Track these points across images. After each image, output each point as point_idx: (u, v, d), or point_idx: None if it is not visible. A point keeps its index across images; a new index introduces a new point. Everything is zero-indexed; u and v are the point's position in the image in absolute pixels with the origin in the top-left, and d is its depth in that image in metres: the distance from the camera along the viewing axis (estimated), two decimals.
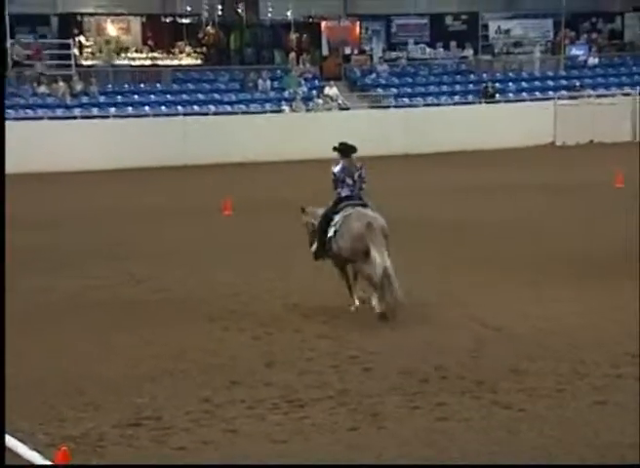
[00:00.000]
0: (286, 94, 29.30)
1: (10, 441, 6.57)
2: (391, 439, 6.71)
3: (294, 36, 30.95)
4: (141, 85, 28.42)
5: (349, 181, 10.33)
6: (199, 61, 30.19)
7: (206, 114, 27.66)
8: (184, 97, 28.45)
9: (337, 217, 10.22)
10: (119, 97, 27.80)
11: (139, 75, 28.61)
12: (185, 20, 30.54)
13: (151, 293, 11.34)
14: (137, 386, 7.91)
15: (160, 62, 29.50)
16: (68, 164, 24.17)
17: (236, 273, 12.25)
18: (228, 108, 28.36)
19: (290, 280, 11.81)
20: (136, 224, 16.61)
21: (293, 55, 30.53)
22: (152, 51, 29.62)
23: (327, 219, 10.37)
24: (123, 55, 29.33)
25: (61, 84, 26.84)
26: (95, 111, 26.88)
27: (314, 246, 10.58)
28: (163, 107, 27.69)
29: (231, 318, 10.08)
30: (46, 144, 24.46)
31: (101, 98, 27.47)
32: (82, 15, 29.53)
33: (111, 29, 29.73)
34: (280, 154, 25.98)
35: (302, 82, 29.72)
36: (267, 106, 28.79)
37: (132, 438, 6.81)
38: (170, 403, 7.51)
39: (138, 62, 29.29)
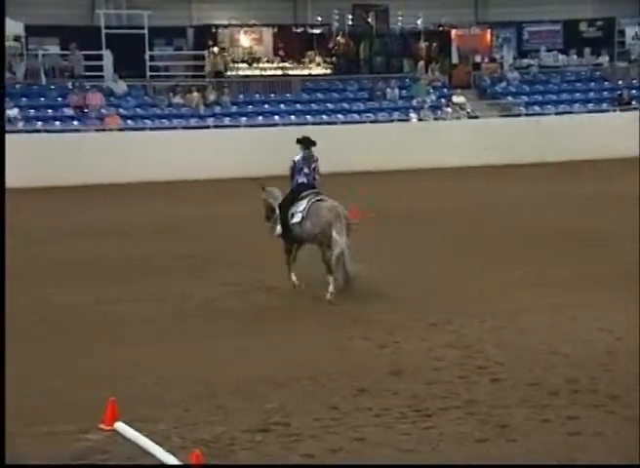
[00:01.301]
0: (414, 102, 29.22)
1: (146, 442, 6.77)
2: (520, 452, 6.60)
3: (423, 44, 30.84)
4: (272, 95, 28.86)
5: (306, 170, 11.90)
6: (328, 71, 30.43)
7: (334, 123, 27.85)
8: (314, 106, 28.75)
9: (302, 204, 11.63)
10: (250, 106, 28.29)
11: (269, 85, 29.07)
12: (316, 31, 30.83)
13: (280, 299, 11.47)
14: (265, 391, 8.03)
15: (290, 72, 29.86)
16: (202, 172, 24.72)
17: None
18: (356, 117, 28.49)
19: (414, 289, 11.75)
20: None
21: (422, 63, 30.41)
22: (283, 61, 30.04)
23: (289, 203, 11.79)
24: (255, 65, 29.86)
25: (195, 94, 27.52)
26: (227, 121, 27.44)
27: (278, 228, 11.99)
28: (292, 117, 28.04)
29: (357, 326, 10.12)
30: (181, 153, 25.10)
31: (233, 108, 28.01)
32: (216, 26, 30.21)
33: (244, 40, 30.31)
34: (407, 162, 25.91)
35: (431, 90, 29.58)
36: (395, 115, 28.76)
37: (261, 443, 6.90)
38: (298, 409, 7.58)
39: (269, 72, 29.76)
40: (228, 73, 29.36)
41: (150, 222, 17.76)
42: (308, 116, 28.16)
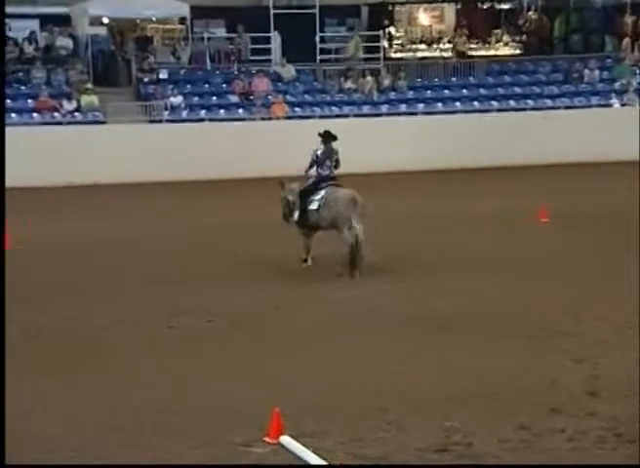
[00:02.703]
0: (616, 85, 28.30)
1: (313, 458, 6.83)
2: None
3: (629, 19, 29.82)
4: (453, 79, 28.61)
5: (328, 163, 13.68)
6: (517, 51, 29.92)
7: (523, 109, 27.36)
8: (500, 90, 28.31)
9: (321, 193, 13.47)
10: (428, 92, 28.14)
11: (450, 68, 28.82)
12: (504, 6, 30.38)
13: (464, 306, 11.39)
14: (443, 408, 7.95)
15: (474, 53, 29.56)
16: (374, 164, 24.80)
17: (549, 289, 12.06)
18: (549, 102, 27.88)
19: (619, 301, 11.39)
20: (445, 230, 16.72)
21: (627, 41, 29.40)
22: (466, 41, 29.74)
23: (309, 193, 13.58)
24: (435, 45, 29.71)
25: (369, 79, 27.59)
26: (402, 108, 27.40)
27: (296, 214, 13.70)
28: (475, 103, 27.74)
29: (551, 338, 9.92)
30: (352, 144, 25.14)
31: (410, 94, 27.91)
32: (393, 4, 30.25)
33: (423, 18, 30.21)
34: (604, 155, 25.16)
35: (637, 72, 28.56)
36: (594, 100, 27.96)
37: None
38: (481, 428, 7.47)
39: (450, 54, 29.53)
40: (405, 55, 29.35)
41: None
42: (494, 102, 27.80)
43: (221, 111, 26.29)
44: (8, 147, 22.83)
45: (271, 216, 14.58)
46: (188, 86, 26.90)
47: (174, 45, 27.73)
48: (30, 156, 23.19)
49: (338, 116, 26.53)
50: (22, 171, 22.76)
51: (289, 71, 27.60)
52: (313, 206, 13.53)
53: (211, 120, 25.85)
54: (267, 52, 27.83)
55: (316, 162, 13.71)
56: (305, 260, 13.84)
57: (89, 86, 25.62)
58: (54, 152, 23.60)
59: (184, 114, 25.91)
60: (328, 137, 13.91)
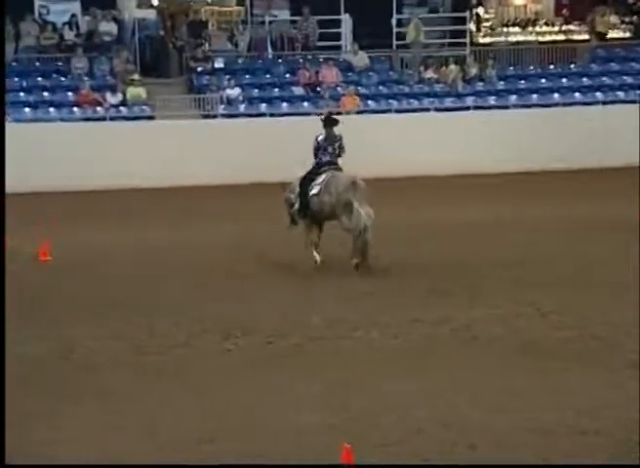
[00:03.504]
0: None
1: None
2: None
3: None
4: (551, 66, 28.47)
5: (330, 149, 14.81)
6: (627, 34, 29.70)
7: (633, 102, 27.12)
8: (605, 80, 28.11)
9: (320, 178, 14.52)
10: (522, 81, 28.02)
11: (548, 54, 28.67)
12: None
13: (556, 330, 11.39)
14: (537, 443, 7.99)
15: (576, 37, 29.41)
16: (456, 166, 24.78)
17: None
18: None
19: None
20: (542, 240, 16.74)
21: None
22: (567, 22, 29.60)
23: (309, 180, 14.66)
24: (530, 28, 29.59)
25: (452, 67, 27.45)
26: (491, 100, 27.30)
27: (295, 206, 14.87)
28: (577, 94, 27.57)
29: None
30: (431, 142, 25.27)
31: (500, 84, 27.79)
32: None
33: None
34: None
35: None
36: None
37: None
38: None
39: (547, 38, 29.42)
40: (495, 40, 29.26)
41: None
42: (598, 93, 27.59)
43: (284, 105, 26.44)
44: (44, 146, 23.53)
45: None
46: (247, 76, 27.11)
47: (231, 30, 27.88)
48: (69, 156, 23.58)
49: (417, 110, 26.57)
50: (60, 172, 23.19)
51: (361, 59, 27.63)
52: (314, 190, 14.54)
53: (272, 115, 25.96)
54: (337, 37, 27.95)
55: (318, 149, 14.82)
56: (316, 261, 14.67)
57: (135, 77, 25.94)
58: (95, 151, 23.93)
59: (242, 108, 26.11)
60: (329, 122, 15.04)
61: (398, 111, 26.47)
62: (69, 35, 26.99)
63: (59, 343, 11.11)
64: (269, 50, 27.76)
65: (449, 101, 27.10)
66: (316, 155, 14.89)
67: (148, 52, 27.10)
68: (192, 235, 17.93)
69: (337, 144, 14.90)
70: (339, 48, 28.09)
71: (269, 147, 24.44)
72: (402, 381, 9.63)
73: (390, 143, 24.91)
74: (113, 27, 27.19)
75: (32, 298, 13.26)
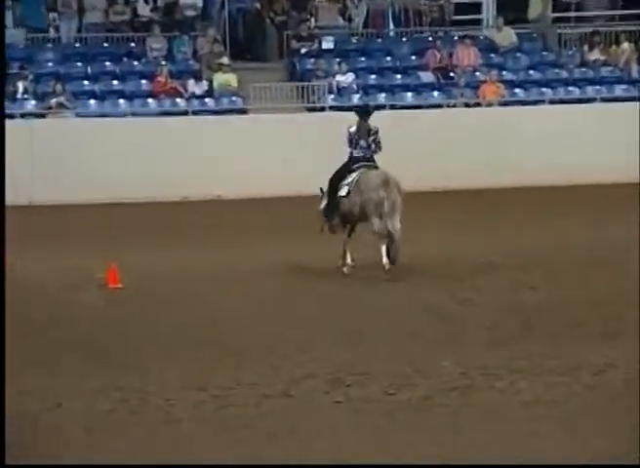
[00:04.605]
0: None
1: None
2: None
3: None
4: None
5: (363, 143, 16.03)
6: None
7: None
8: None
9: (352, 176, 15.79)
10: None
11: None
12: None
13: None
14: None
15: None
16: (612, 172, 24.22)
17: None
18: None
19: None
20: None
21: None
22: None
23: (339, 178, 15.97)
24: None
25: (625, 46, 27.10)
26: None
27: (323, 203, 16.29)
28: None
29: None
30: (592, 141, 24.80)
31: None
32: None
33: None
34: None
35: None
36: None
37: None
38: None
39: None
40: None
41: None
42: None
43: (409, 95, 26.51)
44: (112, 146, 23.59)
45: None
46: (362, 59, 27.29)
47: (343, 1, 27.91)
48: (142, 157, 23.76)
49: (578, 101, 26.48)
50: (132, 178, 23.27)
51: (507, 37, 27.55)
52: (343, 192, 15.88)
53: (392, 107, 25.80)
54: (476, 9, 27.92)
55: (351, 141, 16.12)
56: (343, 265, 16.11)
57: (224, 60, 26.14)
58: (175, 151, 24.09)
59: (356, 99, 25.91)
60: (362, 113, 16.40)
61: (553, 102, 26.32)
62: (144, 10, 27.47)
63: (129, 394, 11.00)
64: (391, 26, 27.88)
65: (620, 90, 26.96)
66: (350, 145, 16.13)
67: (241, 29, 27.34)
68: (298, 256, 17.82)
69: (371, 139, 16.08)
70: (478, 22, 28.30)
71: (389, 146, 24.09)
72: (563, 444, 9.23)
73: (544, 143, 24.75)
74: (197, 0, 27.20)
75: (98, 338, 13.25)
